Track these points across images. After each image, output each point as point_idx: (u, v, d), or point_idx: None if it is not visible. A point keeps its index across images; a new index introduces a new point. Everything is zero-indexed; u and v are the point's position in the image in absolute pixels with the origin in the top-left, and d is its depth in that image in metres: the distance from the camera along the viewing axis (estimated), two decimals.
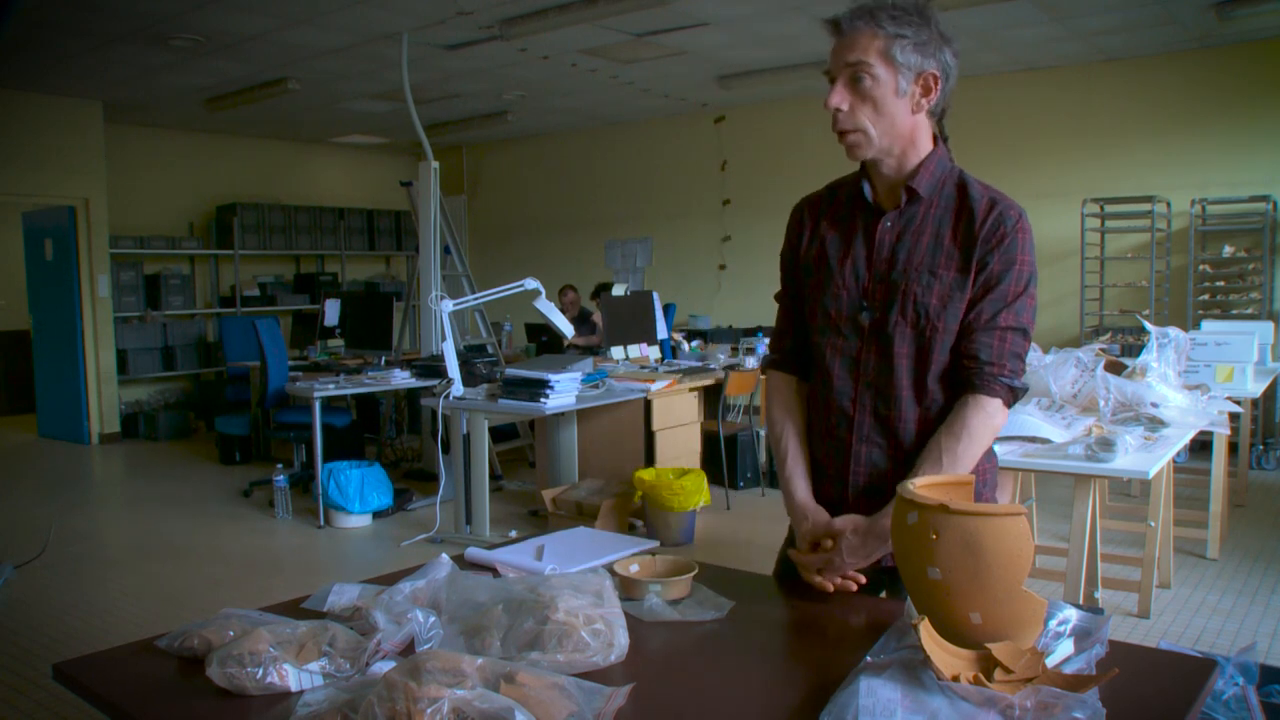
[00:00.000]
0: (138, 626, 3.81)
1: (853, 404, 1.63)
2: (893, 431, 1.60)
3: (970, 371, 1.55)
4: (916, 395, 1.59)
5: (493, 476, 5.88)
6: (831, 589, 1.55)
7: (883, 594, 1.65)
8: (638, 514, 5.06)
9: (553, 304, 4.94)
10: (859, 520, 1.56)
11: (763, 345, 6.58)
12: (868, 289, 1.60)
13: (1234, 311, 6.93)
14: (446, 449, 5.31)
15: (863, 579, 1.55)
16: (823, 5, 5.83)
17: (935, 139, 1.61)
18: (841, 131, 1.56)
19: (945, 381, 1.59)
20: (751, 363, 6.19)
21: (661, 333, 6.53)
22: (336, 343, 7.65)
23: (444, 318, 4.93)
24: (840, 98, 1.53)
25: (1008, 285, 1.54)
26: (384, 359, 6.50)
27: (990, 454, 1.68)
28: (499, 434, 6.89)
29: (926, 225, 1.58)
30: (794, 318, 1.76)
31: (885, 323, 1.58)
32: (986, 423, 1.54)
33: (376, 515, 5.47)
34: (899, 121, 1.54)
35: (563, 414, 5.30)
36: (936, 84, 1.54)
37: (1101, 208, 7.26)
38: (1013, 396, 1.56)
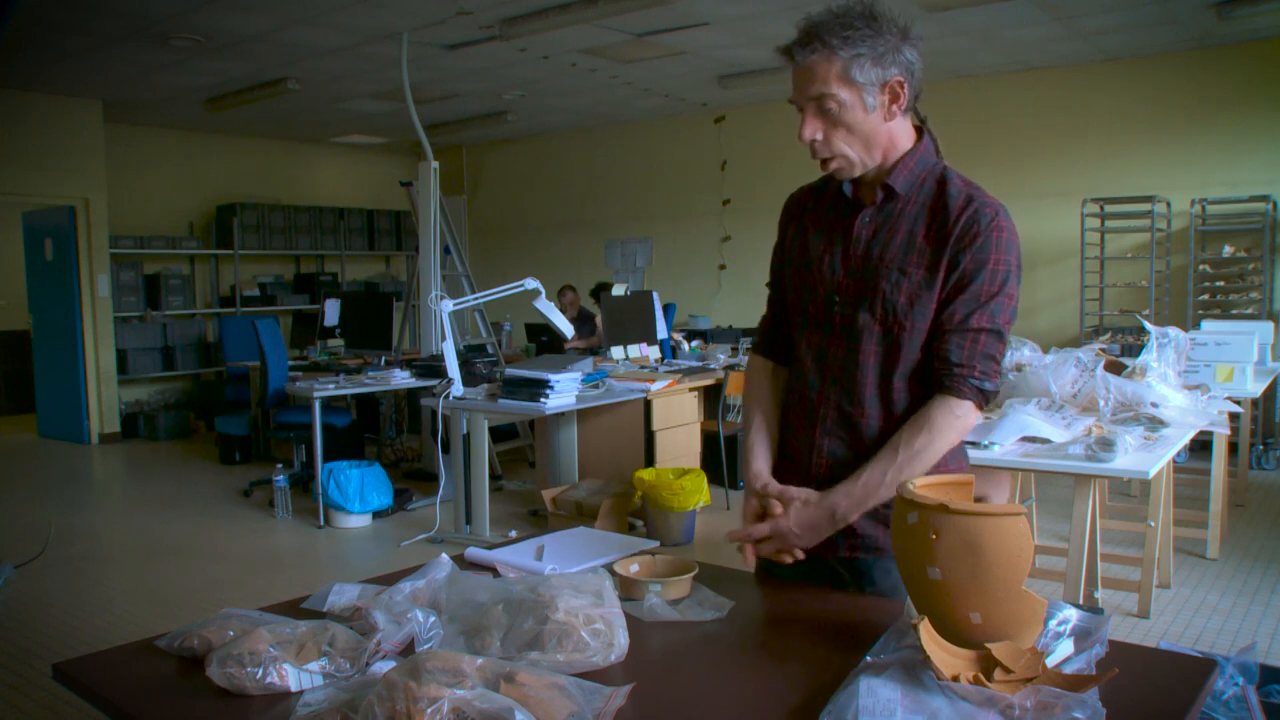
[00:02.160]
0: (138, 626, 3.81)
1: (819, 396, 1.64)
2: (855, 426, 1.60)
3: (940, 373, 1.54)
4: (881, 392, 1.59)
5: (493, 476, 5.88)
6: (772, 554, 1.59)
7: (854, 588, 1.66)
8: (638, 514, 5.06)
9: (553, 304, 4.95)
10: (811, 493, 1.58)
11: None
12: (841, 284, 1.60)
13: (1234, 311, 6.93)
14: (446, 449, 5.31)
15: (801, 554, 1.58)
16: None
17: (919, 130, 1.61)
18: (822, 160, 1.57)
19: (914, 380, 1.58)
20: None
21: (661, 333, 6.54)
22: (336, 343, 7.65)
23: (444, 318, 4.93)
24: (813, 129, 1.53)
25: (980, 285, 1.52)
26: (384, 359, 6.50)
27: (961, 457, 1.68)
28: (499, 434, 6.89)
29: (901, 222, 1.57)
30: (778, 307, 1.78)
31: (854, 319, 1.59)
32: (952, 422, 1.53)
33: (376, 515, 5.47)
34: (875, 136, 1.54)
35: (563, 414, 5.30)
36: (903, 88, 1.52)
37: (1101, 208, 7.26)
38: (984, 399, 1.55)
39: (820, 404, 1.63)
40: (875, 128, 1.53)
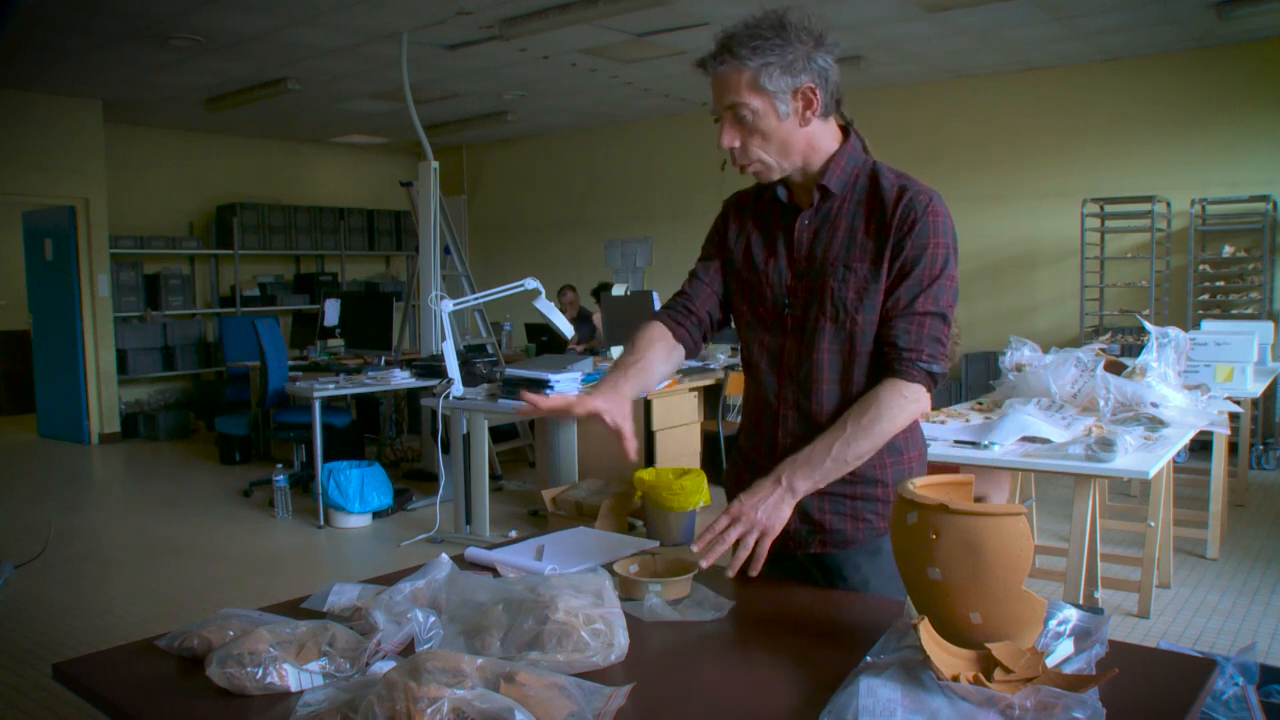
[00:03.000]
0: (138, 626, 3.81)
1: (778, 399, 1.66)
2: (817, 425, 1.61)
3: (889, 358, 1.57)
4: (841, 388, 1.61)
5: (493, 476, 5.88)
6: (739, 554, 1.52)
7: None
8: (638, 514, 5.06)
9: (553, 304, 4.95)
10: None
11: None
12: (790, 287, 1.64)
13: (1234, 311, 6.93)
14: (446, 449, 5.31)
15: (759, 553, 1.53)
16: (822, 6, 5.83)
17: (845, 131, 1.64)
18: (741, 166, 1.60)
19: (871, 374, 1.61)
20: None
21: None
22: (336, 343, 7.65)
23: (444, 318, 4.93)
24: (730, 137, 1.58)
25: (923, 270, 1.55)
26: (384, 359, 6.50)
27: (919, 443, 1.69)
28: (499, 434, 6.89)
29: (840, 220, 1.61)
30: (696, 288, 1.78)
31: (806, 319, 1.62)
32: (901, 403, 1.55)
33: (376, 515, 5.47)
34: (791, 140, 1.57)
35: None
36: (816, 93, 1.55)
37: (1101, 208, 7.26)
38: (932, 382, 1.57)
39: (780, 405, 1.65)
40: (790, 133, 1.57)
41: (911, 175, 1.61)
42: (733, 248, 1.74)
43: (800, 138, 1.58)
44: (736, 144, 1.58)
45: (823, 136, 1.60)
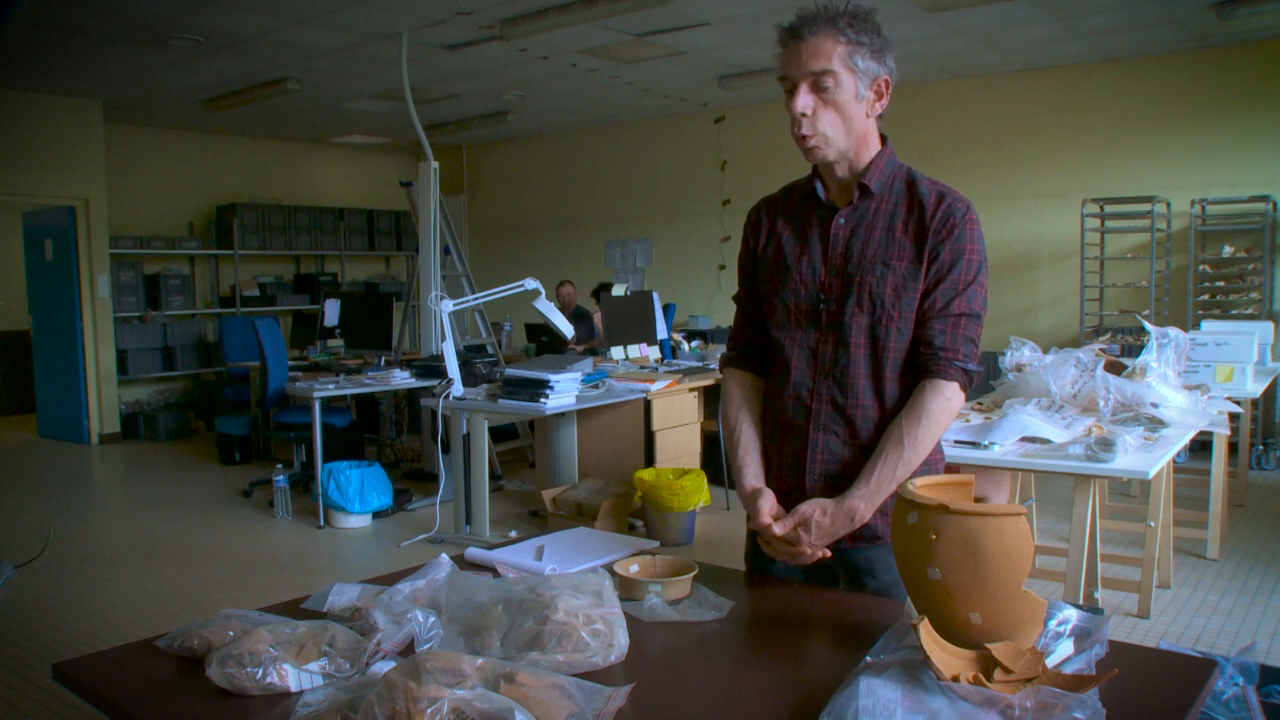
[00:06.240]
0: (138, 626, 3.81)
1: (810, 394, 1.67)
2: (849, 420, 1.64)
3: (926, 358, 1.60)
4: (874, 384, 1.64)
5: (493, 476, 5.88)
6: (809, 559, 1.59)
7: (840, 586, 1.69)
8: (638, 514, 5.06)
9: (553, 304, 4.95)
10: (825, 503, 1.59)
11: None
12: (824, 283, 1.66)
13: (1234, 311, 6.93)
14: (446, 449, 5.31)
15: (829, 553, 1.60)
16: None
17: (882, 138, 1.68)
18: (803, 136, 1.61)
19: (903, 370, 1.64)
20: None
21: (661, 333, 6.53)
22: (336, 343, 7.65)
23: (444, 318, 4.93)
24: (805, 103, 1.58)
25: (959, 274, 1.60)
26: (384, 359, 6.50)
27: (939, 445, 1.72)
28: (499, 434, 6.88)
29: (878, 220, 1.64)
30: (750, 317, 1.81)
31: (842, 314, 1.64)
32: (944, 406, 1.59)
33: (376, 515, 5.47)
34: (856, 125, 1.60)
35: (563, 414, 5.30)
36: (888, 89, 1.60)
37: (1101, 208, 7.26)
38: (968, 379, 1.61)
39: (813, 401, 1.67)
40: (858, 118, 1.60)
41: (946, 183, 1.65)
42: (762, 252, 1.76)
43: (863, 126, 1.61)
44: (810, 111, 1.58)
45: (873, 134, 1.65)
